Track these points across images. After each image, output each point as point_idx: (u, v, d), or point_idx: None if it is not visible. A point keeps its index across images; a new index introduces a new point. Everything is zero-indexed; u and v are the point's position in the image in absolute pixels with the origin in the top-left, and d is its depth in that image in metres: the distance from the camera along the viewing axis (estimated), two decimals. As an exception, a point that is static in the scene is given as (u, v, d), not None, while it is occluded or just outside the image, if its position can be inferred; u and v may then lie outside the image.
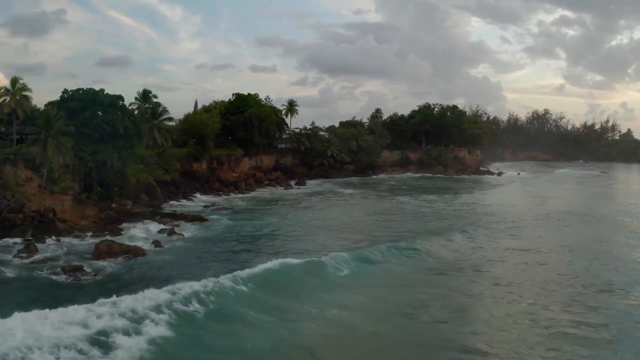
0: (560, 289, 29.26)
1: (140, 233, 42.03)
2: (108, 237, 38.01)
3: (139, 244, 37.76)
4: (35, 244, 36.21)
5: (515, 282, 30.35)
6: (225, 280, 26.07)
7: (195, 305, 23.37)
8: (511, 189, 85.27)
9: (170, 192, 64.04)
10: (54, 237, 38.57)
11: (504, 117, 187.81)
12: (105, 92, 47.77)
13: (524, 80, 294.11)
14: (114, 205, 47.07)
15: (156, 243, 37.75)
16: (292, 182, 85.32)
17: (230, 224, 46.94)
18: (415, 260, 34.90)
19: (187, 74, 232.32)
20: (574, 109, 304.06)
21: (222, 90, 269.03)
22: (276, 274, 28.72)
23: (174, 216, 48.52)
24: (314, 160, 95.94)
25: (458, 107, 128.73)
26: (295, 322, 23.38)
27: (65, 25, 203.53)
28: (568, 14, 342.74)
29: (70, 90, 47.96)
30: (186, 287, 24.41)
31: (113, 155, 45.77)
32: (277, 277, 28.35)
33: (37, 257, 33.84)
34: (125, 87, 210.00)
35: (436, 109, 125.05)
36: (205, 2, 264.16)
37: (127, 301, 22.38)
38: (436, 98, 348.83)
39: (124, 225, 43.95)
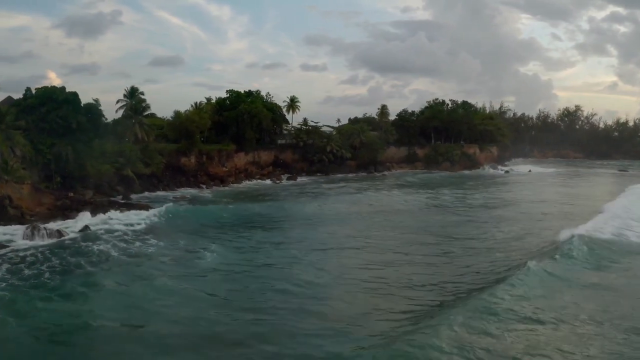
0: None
1: (85, 220, 45.39)
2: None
3: (75, 229, 41.26)
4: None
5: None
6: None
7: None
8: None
9: (150, 185, 67.90)
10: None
11: (554, 115, 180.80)
12: (65, 90, 51.71)
13: (575, 78, 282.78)
14: (71, 194, 50.87)
15: (85, 229, 40.91)
16: (284, 177, 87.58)
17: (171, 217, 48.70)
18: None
19: (236, 73, 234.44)
20: (627, 107, 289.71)
21: (270, 89, 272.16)
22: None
23: (130, 206, 51.79)
24: (313, 156, 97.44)
25: (469, 103, 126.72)
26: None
27: (120, 27, 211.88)
28: (619, 10, 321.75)
29: (35, 89, 52.39)
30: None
31: (68, 148, 49.54)
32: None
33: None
34: (175, 87, 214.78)
35: (449, 105, 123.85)
36: (252, 2, 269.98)
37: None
38: (486, 96, 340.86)
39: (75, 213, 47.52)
